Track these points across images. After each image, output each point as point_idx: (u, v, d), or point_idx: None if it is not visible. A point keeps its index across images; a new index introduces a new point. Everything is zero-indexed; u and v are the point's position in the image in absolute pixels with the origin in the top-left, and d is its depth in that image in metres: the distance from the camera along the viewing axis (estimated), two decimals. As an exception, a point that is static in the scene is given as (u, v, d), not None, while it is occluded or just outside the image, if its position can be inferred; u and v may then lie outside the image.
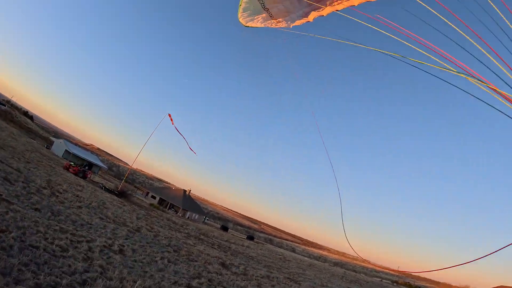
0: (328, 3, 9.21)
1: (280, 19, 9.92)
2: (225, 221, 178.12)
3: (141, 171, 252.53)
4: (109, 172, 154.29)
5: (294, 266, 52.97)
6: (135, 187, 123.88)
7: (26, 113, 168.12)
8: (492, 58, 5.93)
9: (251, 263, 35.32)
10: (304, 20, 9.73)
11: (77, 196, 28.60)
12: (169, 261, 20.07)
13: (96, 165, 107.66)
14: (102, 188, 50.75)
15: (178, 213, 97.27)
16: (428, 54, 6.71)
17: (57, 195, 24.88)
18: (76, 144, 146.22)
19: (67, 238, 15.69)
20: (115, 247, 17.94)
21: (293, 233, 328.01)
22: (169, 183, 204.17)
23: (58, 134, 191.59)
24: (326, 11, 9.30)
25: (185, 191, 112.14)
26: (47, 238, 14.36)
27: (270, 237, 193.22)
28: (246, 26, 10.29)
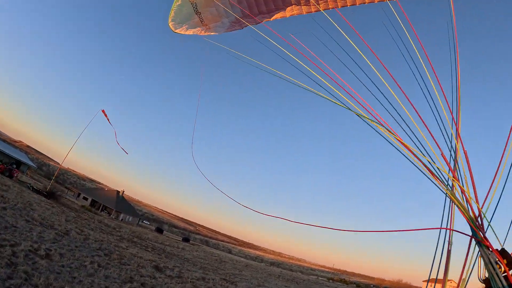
0: (259, 11, 9.40)
1: (211, 25, 9.91)
2: (160, 223, 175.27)
3: (73, 170, 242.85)
4: (39, 171, 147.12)
5: (230, 267, 53.05)
6: (66, 187, 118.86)
7: None
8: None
9: (186, 265, 34.94)
10: (235, 27, 9.86)
11: (1, 197, 27.06)
12: (99, 266, 19.41)
13: (25, 164, 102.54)
14: (30, 189, 48.39)
15: (111, 215, 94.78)
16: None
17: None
18: (4, 140, 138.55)
19: (-13, 242, 14.83)
20: (41, 252, 17.13)
21: (229, 234, 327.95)
22: (102, 184, 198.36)
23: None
24: (256, 20, 9.45)
25: (118, 192, 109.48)
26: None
27: (206, 238, 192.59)
28: (176, 32, 10.21)
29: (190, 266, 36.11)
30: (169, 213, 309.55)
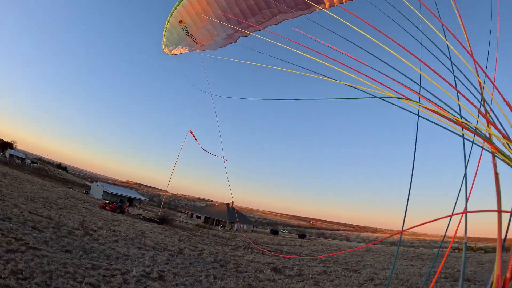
0: (249, 24, 9.14)
1: (205, 43, 9.72)
2: (274, 225, 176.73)
3: (182, 195, 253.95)
4: (151, 203, 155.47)
5: (351, 255, 50.92)
6: (178, 211, 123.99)
7: (59, 166, 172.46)
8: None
9: (306, 262, 33.73)
10: (228, 42, 9.68)
11: (113, 231, 27.76)
12: (215, 278, 18.75)
13: (136, 199, 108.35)
14: (142, 219, 50.20)
15: (225, 228, 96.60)
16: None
17: (91, 234, 24.05)
18: (113, 184, 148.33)
19: (99, 274, 14.59)
20: (154, 274, 16.75)
21: (344, 222, 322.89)
22: (211, 201, 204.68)
23: (94, 179, 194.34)
24: (248, 31, 9.35)
25: (228, 204, 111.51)
26: (76, 278, 13.26)
27: (321, 231, 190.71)
28: (172, 55, 9.99)
29: (310, 261, 34.85)
30: (281, 213, 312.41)
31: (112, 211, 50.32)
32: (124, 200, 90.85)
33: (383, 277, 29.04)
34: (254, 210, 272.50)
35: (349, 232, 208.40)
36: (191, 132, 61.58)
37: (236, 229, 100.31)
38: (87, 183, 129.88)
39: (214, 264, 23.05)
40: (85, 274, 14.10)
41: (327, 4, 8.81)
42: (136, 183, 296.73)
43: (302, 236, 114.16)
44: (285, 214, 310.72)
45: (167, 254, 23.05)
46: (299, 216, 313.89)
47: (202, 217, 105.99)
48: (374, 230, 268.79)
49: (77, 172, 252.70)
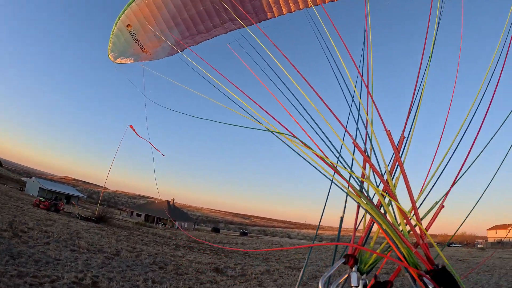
0: (198, 31, 8.99)
1: (152, 51, 9.18)
2: (215, 223, 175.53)
3: (123, 192, 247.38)
4: (90, 199, 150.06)
5: (293, 253, 51.01)
6: (119, 209, 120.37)
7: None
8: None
9: (248, 261, 33.26)
10: (175, 51, 9.26)
11: (45, 232, 25.90)
12: (154, 282, 17.78)
13: (74, 196, 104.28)
14: (78, 218, 47.81)
15: (166, 226, 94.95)
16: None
17: (20, 236, 22.22)
18: (50, 180, 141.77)
19: (25, 282, 13.27)
20: (87, 280, 15.55)
21: (285, 219, 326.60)
22: (152, 198, 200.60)
23: (30, 174, 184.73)
24: (196, 40, 9.17)
25: (168, 202, 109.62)
26: (-2, 289, 11.98)
27: (263, 228, 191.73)
28: (116, 63, 9.45)
29: (252, 260, 34.41)
30: (223, 211, 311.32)
31: (47, 209, 47.29)
32: (60, 197, 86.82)
33: None
34: (195, 208, 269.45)
35: (290, 230, 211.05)
36: (131, 127, 59.29)
37: (177, 227, 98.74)
38: (23, 178, 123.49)
39: (153, 266, 21.99)
40: (10, 283, 12.79)
41: (275, 13, 8.70)
42: (75, 179, 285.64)
43: (244, 233, 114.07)
44: (226, 212, 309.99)
45: (102, 257, 21.72)
46: (241, 214, 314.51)
47: (143, 215, 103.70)
48: (315, 227, 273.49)
49: (13, 166, 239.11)
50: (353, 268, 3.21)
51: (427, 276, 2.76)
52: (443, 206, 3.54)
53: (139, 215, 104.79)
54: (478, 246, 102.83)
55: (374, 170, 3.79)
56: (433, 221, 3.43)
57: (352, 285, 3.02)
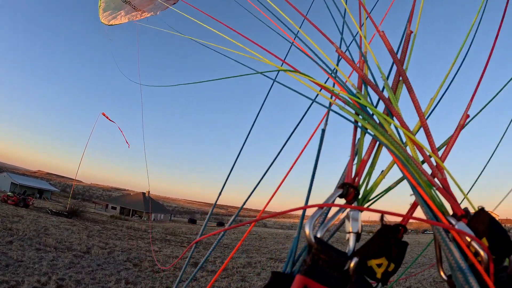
0: None
1: (146, 9, 8.66)
2: (192, 214, 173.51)
3: (97, 184, 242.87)
4: (64, 193, 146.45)
5: (273, 243, 49.91)
6: (93, 202, 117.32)
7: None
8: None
9: (228, 253, 31.85)
10: (170, 2, 8.48)
11: (9, 230, 23.74)
12: (127, 283, 16.11)
13: (47, 190, 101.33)
14: (48, 213, 45.34)
15: (142, 218, 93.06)
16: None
17: (-21, 235, 20.20)
18: (23, 174, 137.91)
19: (-22, 291, 11.47)
20: (51, 284, 13.75)
21: (260, 209, 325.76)
22: (127, 190, 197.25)
23: (2, 169, 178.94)
24: None
25: (144, 193, 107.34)
26: None
27: (239, 218, 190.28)
28: (110, 25, 8.95)
29: (231, 252, 32.99)
30: (198, 202, 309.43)
31: (15, 204, 44.64)
32: (33, 192, 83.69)
33: None
34: (171, 199, 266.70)
35: (266, 219, 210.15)
36: (104, 114, 56.84)
37: (153, 219, 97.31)
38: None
39: (127, 264, 20.26)
40: (-44, 293, 10.95)
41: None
42: (48, 173, 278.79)
43: (221, 224, 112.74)
44: (202, 202, 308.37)
45: (70, 256, 19.85)
46: (217, 204, 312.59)
47: (118, 208, 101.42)
48: (290, 216, 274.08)
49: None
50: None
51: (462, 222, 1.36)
52: (468, 115, 2.13)
53: (114, 208, 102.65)
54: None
55: (368, 84, 2.32)
56: (452, 144, 2.07)
57: (351, 230, 1.59)
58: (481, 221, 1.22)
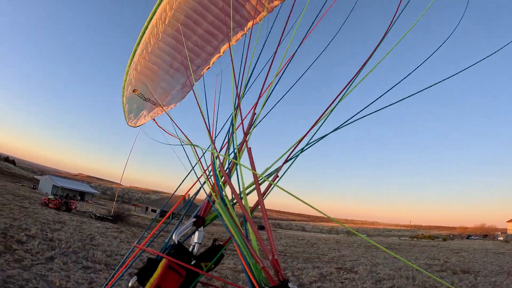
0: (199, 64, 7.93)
1: (165, 102, 8.05)
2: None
3: (136, 187, 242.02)
4: (104, 196, 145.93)
5: (326, 249, 44.73)
6: (133, 205, 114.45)
7: (7, 159, 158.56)
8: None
9: (291, 263, 27.07)
10: (186, 90, 8.20)
11: (50, 241, 19.21)
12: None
13: (88, 193, 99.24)
14: (92, 217, 41.34)
15: (183, 221, 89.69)
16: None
17: (15, 249, 15.57)
18: (64, 177, 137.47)
19: None
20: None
21: (298, 212, 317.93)
22: (166, 193, 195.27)
23: (44, 172, 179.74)
24: (199, 72, 8.01)
25: (184, 197, 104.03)
26: None
27: (277, 222, 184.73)
28: (137, 126, 8.17)
29: (294, 261, 28.21)
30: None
31: (57, 209, 40.53)
32: (74, 194, 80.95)
33: (388, 276, 23.00)
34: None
35: (304, 222, 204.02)
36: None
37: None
38: (36, 176, 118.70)
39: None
40: None
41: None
42: (89, 176, 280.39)
43: (261, 227, 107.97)
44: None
45: (126, 275, 15.22)
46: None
47: (158, 211, 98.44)
48: (327, 219, 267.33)
49: (27, 165, 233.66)
50: (200, 228, 3.53)
51: None
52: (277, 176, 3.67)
53: (154, 211, 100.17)
54: (498, 238, 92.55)
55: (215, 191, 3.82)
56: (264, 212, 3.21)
57: (196, 241, 3.31)
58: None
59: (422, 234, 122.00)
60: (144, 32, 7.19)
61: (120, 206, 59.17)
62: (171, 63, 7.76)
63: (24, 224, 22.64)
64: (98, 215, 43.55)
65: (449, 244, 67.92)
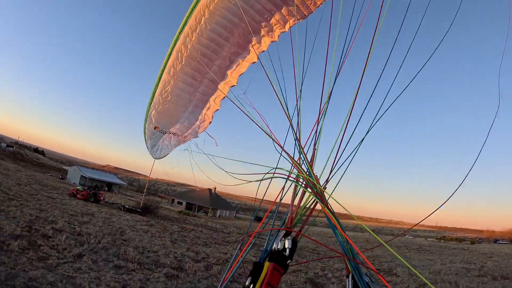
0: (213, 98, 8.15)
1: (186, 134, 8.35)
2: (255, 211, 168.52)
3: (162, 179, 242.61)
4: (130, 187, 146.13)
5: (359, 248, 42.22)
6: (159, 197, 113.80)
7: (36, 150, 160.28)
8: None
9: (327, 261, 24.95)
10: (206, 124, 8.43)
11: (78, 235, 17.53)
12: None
13: (115, 184, 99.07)
14: (121, 209, 39.97)
15: (208, 214, 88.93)
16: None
17: (39, 245, 13.90)
18: (92, 168, 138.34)
19: None
20: None
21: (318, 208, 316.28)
22: (191, 186, 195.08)
23: (72, 163, 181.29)
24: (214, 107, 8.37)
25: (210, 190, 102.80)
26: None
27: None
28: (163, 157, 8.64)
29: (330, 261, 26.08)
30: (259, 199, 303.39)
31: (85, 200, 39.38)
32: (102, 185, 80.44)
33: (430, 280, 20.57)
34: (234, 196, 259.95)
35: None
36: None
37: (219, 215, 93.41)
38: (64, 167, 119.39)
39: (234, 286, 13.54)
40: None
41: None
42: (116, 167, 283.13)
43: (258, 219, 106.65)
44: (265, 199, 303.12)
45: (162, 277, 13.37)
46: (277, 201, 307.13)
47: (184, 203, 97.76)
48: (351, 217, 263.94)
49: (56, 156, 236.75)
50: (288, 236, 3.58)
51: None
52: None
53: (180, 203, 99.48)
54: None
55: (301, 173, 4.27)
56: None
57: (287, 246, 3.38)
58: None
59: (450, 236, 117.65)
60: (161, 74, 7.09)
61: (148, 198, 58.04)
62: (190, 99, 7.90)
63: (51, 216, 21.10)
64: (127, 207, 42.20)
65: (478, 247, 64.56)
